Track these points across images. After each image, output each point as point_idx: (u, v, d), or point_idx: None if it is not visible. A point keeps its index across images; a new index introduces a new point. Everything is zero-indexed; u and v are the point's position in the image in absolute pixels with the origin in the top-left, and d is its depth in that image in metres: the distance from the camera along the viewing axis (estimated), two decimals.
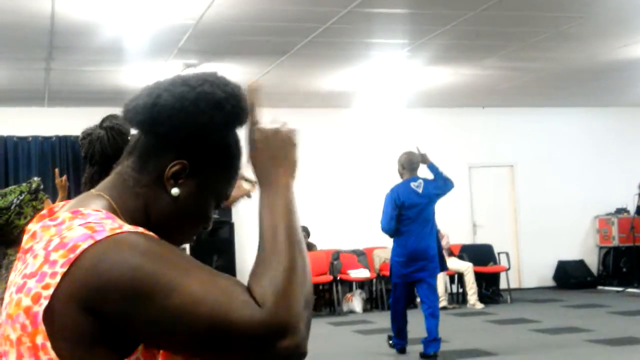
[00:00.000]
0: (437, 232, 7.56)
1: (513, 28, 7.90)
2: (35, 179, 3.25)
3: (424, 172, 7.49)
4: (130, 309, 1.05)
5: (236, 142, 1.27)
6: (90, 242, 1.08)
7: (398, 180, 7.44)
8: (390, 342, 7.55)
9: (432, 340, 7.06)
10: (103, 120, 2.45)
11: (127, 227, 1.11)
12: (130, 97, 1.26)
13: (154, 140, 1.22)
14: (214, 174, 1.25)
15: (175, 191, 1.22)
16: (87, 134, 2.41)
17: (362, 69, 9.47)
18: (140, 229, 1.12)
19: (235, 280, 1.09)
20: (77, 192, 1.29)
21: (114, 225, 1.11)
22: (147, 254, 1.07)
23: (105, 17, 6.88)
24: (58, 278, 1.07)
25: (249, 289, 1.08)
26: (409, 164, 7.31)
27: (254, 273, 1.10)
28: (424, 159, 7.41)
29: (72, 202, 1.23)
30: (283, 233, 1.13)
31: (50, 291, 1.07)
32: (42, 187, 3.19)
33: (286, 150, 1.23)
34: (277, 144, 1.22)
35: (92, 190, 1.24)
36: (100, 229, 1.10)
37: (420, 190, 7.17)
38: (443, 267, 7.54)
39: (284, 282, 1.08)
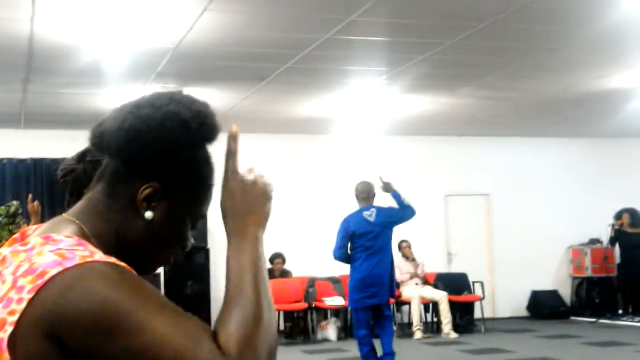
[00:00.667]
0: (392, 259, 7.77)
1: (490, 58, 8.00)
2: (14, 202, 3.22)
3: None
4: (94, 342, 1.02)
5: (206, 159, 1.26)
6: (59, 269, 1.05)
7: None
8: None
9: (387, 353, 7.20)
10: (84, 154, 2.41)
11: (99, 256, 1.09)
12: (95, 123, 1.25)
13: (122, 164, 1.21)
14: (187, 194, 1.23)
15: (149, 214, 1.20)
16: (70, 171, 2.37)
17: (341, 95, 9.52)
18: (112, 259, 1.10)
19: (202, 326, 1.08)
20: (52, 216, 1.28)
21: (84, 253, 1.09)
22: (117, 287, 1.05)
23: (84, 40, 6.86)
24: (24, 304, 1.04)
25: (214, 336, 1.06)
26: (361, 193, 7.60)
27: (220, 320, 1.09)
28: (387, 187, 7.63)
29: (43, 226, 1.21)
30: (251, 283, 1.13)
31: (16, 317, 1.04)
32: (20, 211, 3.16)
33: (261, 203, 1.22)
34: (254, 195, 1.22)
35: (64, 215, 1.22)
36: (70, 255, 1.07)
37: (372, 219, 7.39)
38: (391, 294, 7.76)
39: (249, 332, 1.07)
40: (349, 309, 11.01)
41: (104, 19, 6.31)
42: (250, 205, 1.21)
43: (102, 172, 1.24)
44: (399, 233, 11.87)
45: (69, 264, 1.06)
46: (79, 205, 1.24)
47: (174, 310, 1.07)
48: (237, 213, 1.20)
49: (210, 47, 7.23)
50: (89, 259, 1.07)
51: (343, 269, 11.45)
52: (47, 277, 1.05)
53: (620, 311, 12.41)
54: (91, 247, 1.13)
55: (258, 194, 1.22)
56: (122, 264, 1.11)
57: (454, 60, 7.96)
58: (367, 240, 7.34)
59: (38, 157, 10.63)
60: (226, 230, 1.20)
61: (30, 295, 1.05)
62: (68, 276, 1.05)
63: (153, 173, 1.20)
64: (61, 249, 1.09)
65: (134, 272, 1.12)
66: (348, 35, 6.96)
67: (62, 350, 1.04)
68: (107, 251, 1.19)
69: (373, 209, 7.46)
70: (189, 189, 1.24)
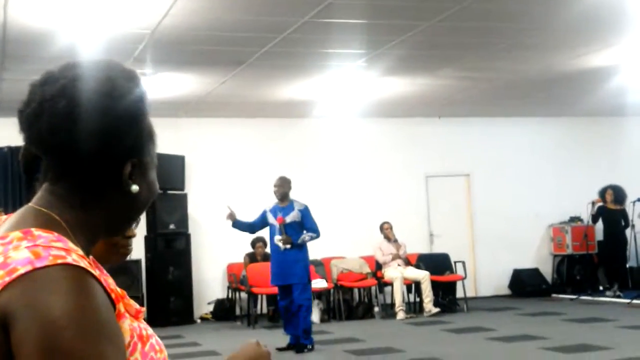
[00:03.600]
0: None
1: (469, 39, 8.00)
2: None
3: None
4: (27, 348, 1.02)
5: (146, 106, 1.25)
6: (28, 267, 1.05)
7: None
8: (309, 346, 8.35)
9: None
10: None
11: (72, 258, 1.07)
12: (24, 121, 1.19)
13: (95, 159, 1.18)
14: (151, 152, 1.25)
15: (135, 188, 1.20)
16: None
17: (320, 79, 9.49)
18: (84, 264, 1.08)
19: None
20: (28, 202, 1.24)
21: (60, 252, 1.07)
22: (74, 308, 1.04)
23: (59, 26, 6.78)
24: None
25: None
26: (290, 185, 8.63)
27: None
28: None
29: (14, 217, 1.19)
30: None
31: None
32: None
33: None
34: None
35: (35, 207, 1.18)
36: (44, 254, 1.06)
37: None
38: None
39: None
40: (332, 291, 11.08)
41: (79, 3, 6.24)
42: None
43: (59, 167, 1.19)
44: (380, 215, 11.95)
45: (38, 264, 1.05)
46: (46, 198, 1.19)
47: (117, 357, 1.07)
48: None
49: (187, 31, 7.17)
50: (60, 261, 1.06)
51: (325, 252, 11.52)
52: (15, 274, 1.05)
53: (600, 288, 12.54)
54: (70, 244, 1.11)
55: None
56: (95, 271, 1.09)
57: (433, 41, 7.96)
58: None
59: (15, 146, 10.54)
60: None
61: None
62: (35, 277, 1.04)
63: (126, 152, 1.20)
64: (38, 245, 1.08)
65: (102, 283, 1.10)
66: (326, 18, 6.93)
67: (7, 342, 1.04)
68: (92, 239, 1.19)
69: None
70: (150, 148, 1.25)
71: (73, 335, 1.02)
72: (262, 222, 8.51)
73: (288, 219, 8.31)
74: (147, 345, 1.15)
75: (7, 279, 1.05)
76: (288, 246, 8.24)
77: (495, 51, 8.49)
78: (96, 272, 1.09)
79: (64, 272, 1.05)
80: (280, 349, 8.36)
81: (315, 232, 8.35)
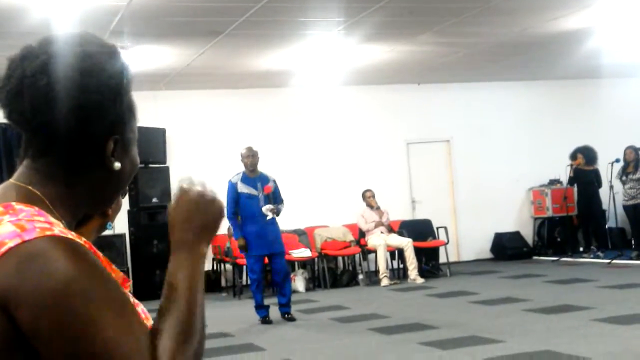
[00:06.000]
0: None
1: (446, 3, 7.98)
2: None
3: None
4: (45, 322, 1.02)
5: (128, 81, 1.24)
6: (17, 241, 1.04)
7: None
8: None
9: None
10: None
11: (58, 230, 1.07)
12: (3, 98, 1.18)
13: (75, 136, 1.17)
14: (131, 127, 1.25)
15: (117, 165, 1.21)
16: None
17: (298, 48, 9.45)
18: (71, 235, 1.08)
19: (148, 334, 1.09)
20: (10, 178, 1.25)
21: (44, 225, 1.07)
22: (80, 273, 1.04)
23: (32, 0, 6.69)
24: None
25: (152, 342, 1.09)
26: None
27: (156, 330, 1.11)
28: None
29: None
30: (188, 301, 1.15)
31: None
32: None
33: (217, 221, 1.24)
34: (211, 211, 1.23)
35: (16, 182, 1.18)
36: (30, 227, 1.06)
37: None
38: None
39: (177, 345, 1.10)
40: (316, 260, 11.13)
41: None
42: (206, 221, 1.22)
43: (40, 145, 1.18)
44: (362, 182, 11.98)
45: (27, 237, 1.05)
46: (27, 174, 1.18)
47: (131, 312, 1.08)
48: (190, 226, 1.21)
49: (164, 2, 7.10)
50: (48, 233, 1.06)
51: (308, 221, 11.56)
52: (4, 248, 1.04)
53: (581, 249, 12.70)
54: (51, 218, 1.11)
55: (215, 211, 1.23)
56: (81, 240, 1.09)
57: (411, 7, 7.93)
58: None
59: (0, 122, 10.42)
60: (173, 239, 1.21)
61: None
62: (26, 250, 1.04)
63: (107, 129, 1.20)
64: (20, 219, 1.08)
65: (92, 250, 1.11)
66: None
67: (10, 321, 1.03)
68: (76, 213, 1.20)
69: None
70: (132, 123, 1.25)
71: (82, 299, 1.03)
72: (236, 202, 8.20)
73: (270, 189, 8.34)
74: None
75: None
76: (275, 216, 8.23)
77: (472, 16, 8.48)
78: (81, 241, 1.10)
79: (53, 243, 1.05)
80: (265, 322, 8.34)
81: (283, 203, 8.42)
